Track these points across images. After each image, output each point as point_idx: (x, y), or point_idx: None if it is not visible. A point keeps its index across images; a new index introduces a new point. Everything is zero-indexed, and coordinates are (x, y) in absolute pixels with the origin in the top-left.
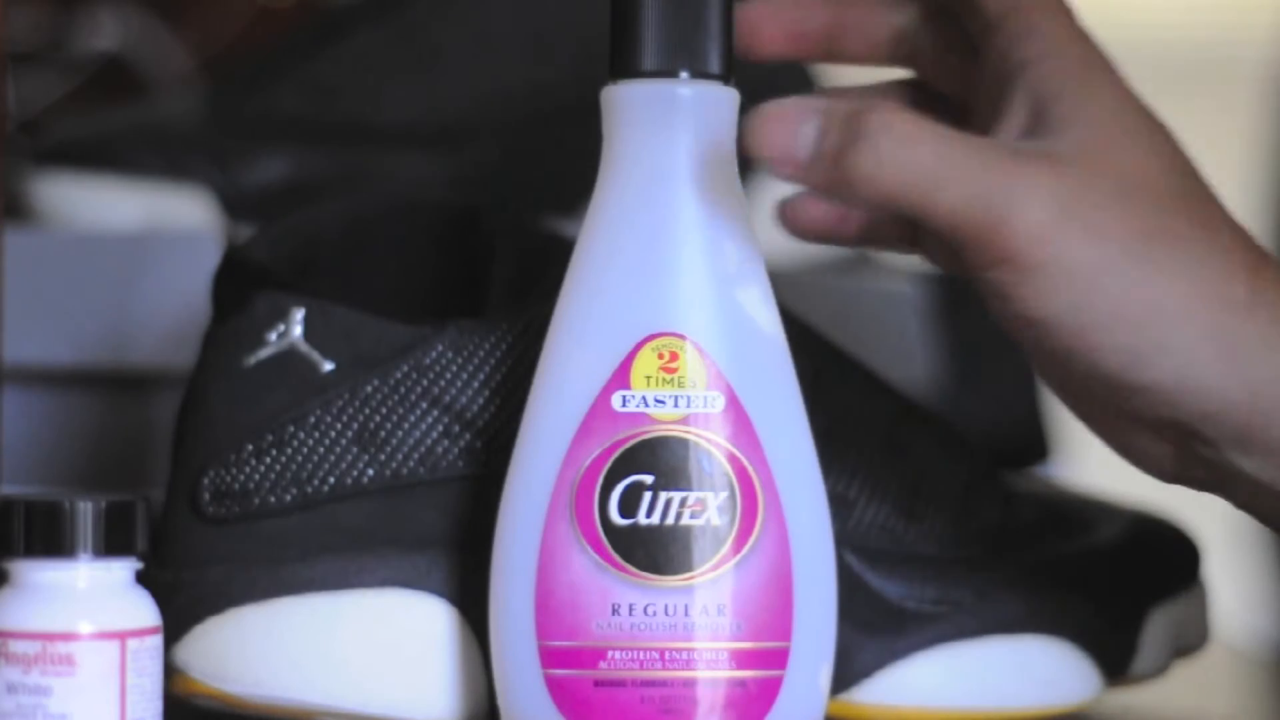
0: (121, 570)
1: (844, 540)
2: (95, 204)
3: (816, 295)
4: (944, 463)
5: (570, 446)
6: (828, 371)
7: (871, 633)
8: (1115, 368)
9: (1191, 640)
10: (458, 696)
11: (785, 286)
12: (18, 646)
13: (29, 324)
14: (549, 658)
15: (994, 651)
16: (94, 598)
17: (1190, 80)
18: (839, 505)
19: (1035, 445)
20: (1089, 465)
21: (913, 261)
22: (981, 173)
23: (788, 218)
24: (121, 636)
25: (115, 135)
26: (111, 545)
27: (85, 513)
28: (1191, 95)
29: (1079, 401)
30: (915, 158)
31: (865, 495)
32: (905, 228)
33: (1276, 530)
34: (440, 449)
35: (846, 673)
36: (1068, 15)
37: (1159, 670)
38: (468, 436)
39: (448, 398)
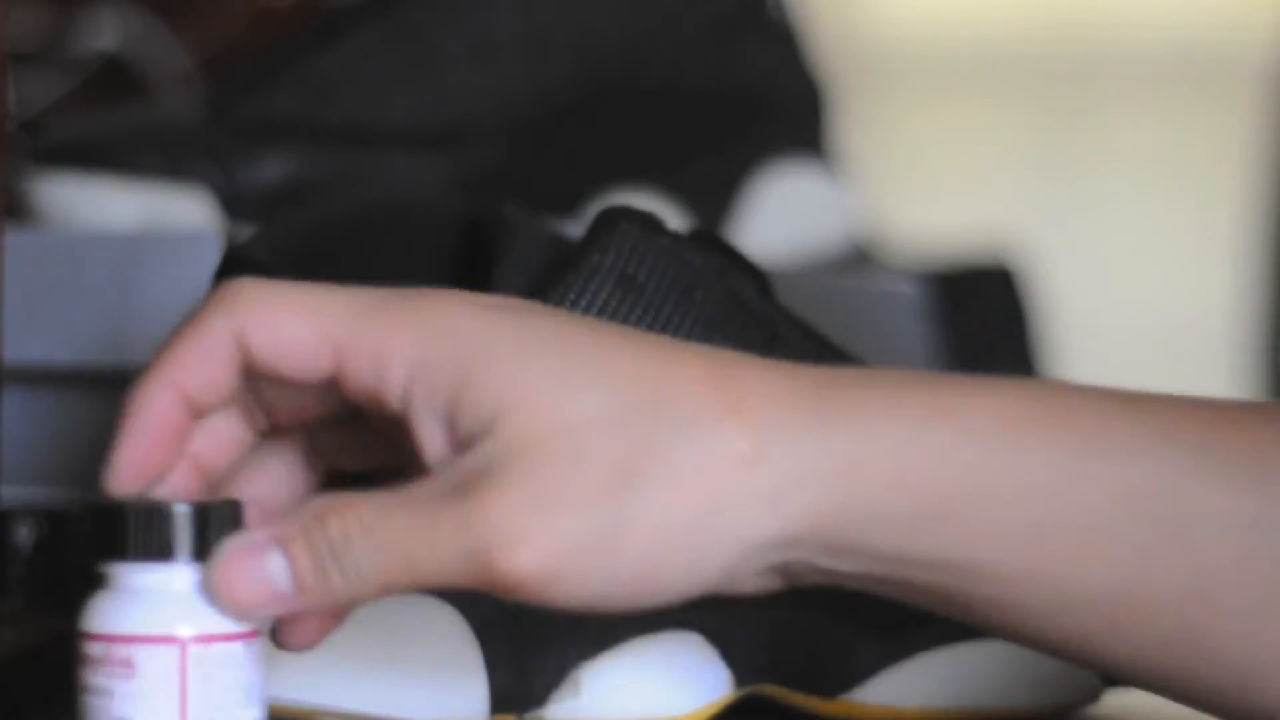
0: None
1: None
2: (95, 204)
3: (816, 295)
4: None
5: None
6: None
7: (872, 633)
8: (671, 590)
9: None
10: (458, 696)
11: (785, 286)
12: (109, 650)
13: (29, 324)
14: None
15: (994, 651)
16: (192, 601)
17: (1190, 80)
18: None
19: None
20: None
21: (913, 261)
22: (453, 530)
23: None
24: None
25: (115, 135)
26: (201, 549)
27: (185, 517)
28: (1191, 95)
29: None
30: (390, 544)
31: None
32: None
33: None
34: None
35: (846, 673)
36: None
37: None
38: None
39: None
